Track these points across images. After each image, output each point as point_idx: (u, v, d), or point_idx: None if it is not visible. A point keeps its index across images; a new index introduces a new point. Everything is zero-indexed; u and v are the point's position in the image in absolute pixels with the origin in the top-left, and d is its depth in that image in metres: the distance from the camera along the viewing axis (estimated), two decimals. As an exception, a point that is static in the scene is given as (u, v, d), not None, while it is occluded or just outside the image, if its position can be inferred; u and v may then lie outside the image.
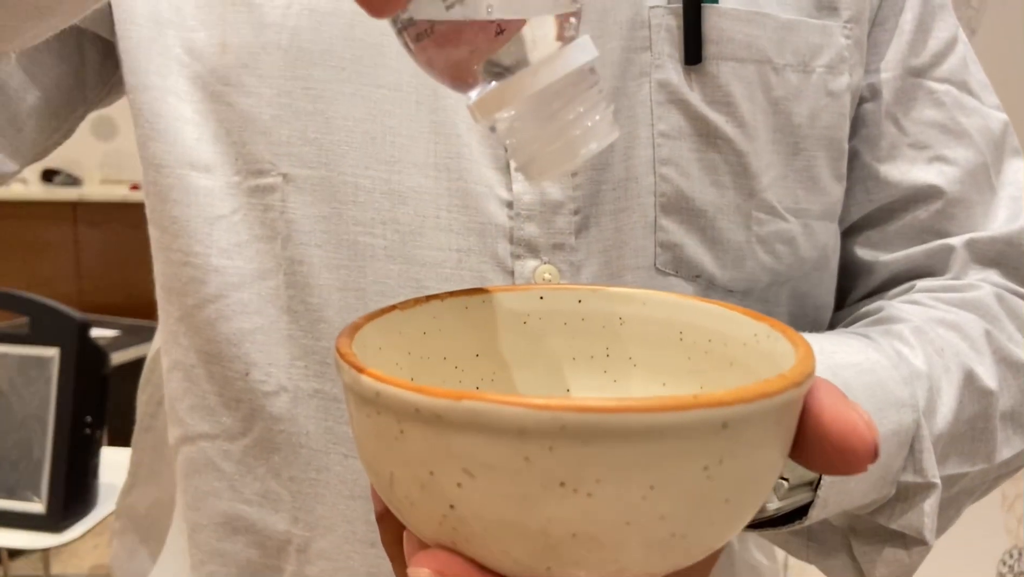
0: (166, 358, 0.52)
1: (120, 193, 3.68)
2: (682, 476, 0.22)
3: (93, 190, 3.75)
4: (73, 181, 3.73)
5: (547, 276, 0.46)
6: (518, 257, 0.46)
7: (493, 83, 0.27)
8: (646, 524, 0.22)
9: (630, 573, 0.23)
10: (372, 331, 0.29)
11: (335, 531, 0.48)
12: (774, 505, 0.37)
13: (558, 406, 0.21)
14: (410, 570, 0.24)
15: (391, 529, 0.28)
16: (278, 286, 0.47)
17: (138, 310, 2.48)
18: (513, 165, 0.28)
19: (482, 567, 0.23)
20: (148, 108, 0.48)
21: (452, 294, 0.32)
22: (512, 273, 0.46)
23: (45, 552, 1.54)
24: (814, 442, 0.25)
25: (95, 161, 3.78)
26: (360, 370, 0.24)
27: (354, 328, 0.28)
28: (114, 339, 2.25)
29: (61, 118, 0.53)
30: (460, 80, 0.27)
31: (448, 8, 0.25)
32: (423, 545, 0.25)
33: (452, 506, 0.23)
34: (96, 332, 1.53)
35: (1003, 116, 0.56)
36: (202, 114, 0.47)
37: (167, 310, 0.51)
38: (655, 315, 0.32)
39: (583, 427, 0.21)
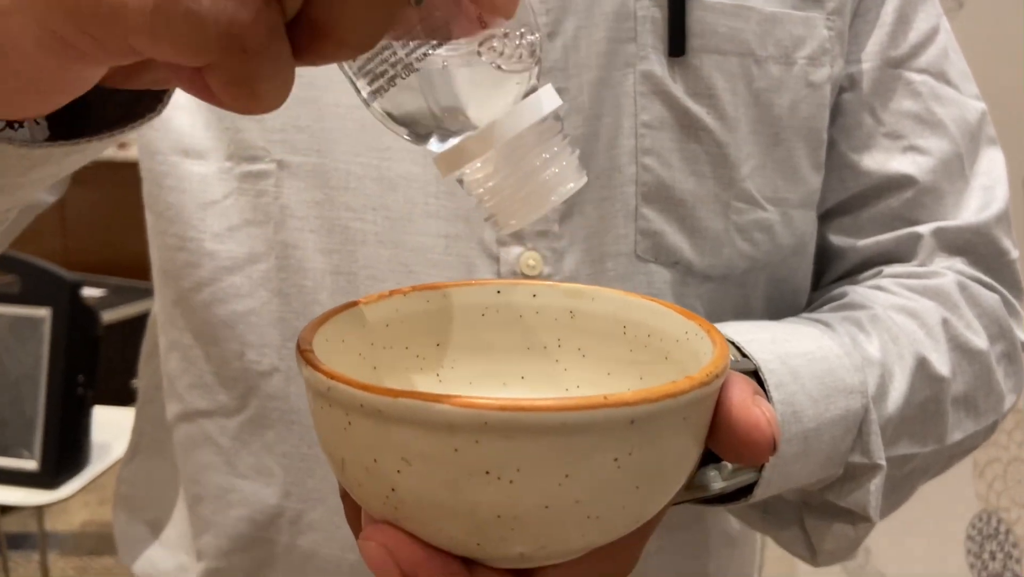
0: (164, 338, 0.55)
1: (107, 152, 3.66)
2: (594, 467, 0.25)
3: (79, 148, 3.72)
4: (60, 138, 3.72)
5: (531, 262, 0.48)
6: (503, 244, 0.48)
7: (454, 138, 0.27)
8: (562, 508, 0.25)
9: (551, 550, 0.26)
10: (337, 325, 0.31)
11: (325, 503, 0.51)
12: (719, 485, 0.40)
13: (482, 405, 0.24)
14: (360, 542, 0.27)
15: (352, 506, 0.31)
16: (269, 269, 0.50)
17: (125, 269, 2.43)
18: (483, 216, 0.29)
19: (421, 541, 0.26)
20: None
21: (415, 288, 0.35)
22: (497, 259, 0.48)
23: (39, 509, 1.59)
24: (722, 434, 0.28)
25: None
26: (315, 367, 0.26)
27: (318, 323, 0.30)
28: (101, 299, 2.24)
29: None
30: (418, 134, 0.28)
31: (407, 71, 0.26)
32: (373, 520, 0.28)
33: (393, 489, 0.26)
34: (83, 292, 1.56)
35: (981, 105, 0.57)
36: (195, 101, 0.50)
37: (164, 292, 0.54)
38: (602, 310, 0.34)
39: (504, 423, 0.24)
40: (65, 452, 1.41)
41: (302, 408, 0.50)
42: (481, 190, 0.28)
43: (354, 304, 0.33)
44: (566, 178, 0.28)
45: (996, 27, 1.09)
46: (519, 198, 0.28)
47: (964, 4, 1.12)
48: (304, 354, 0.27)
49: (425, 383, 0.35)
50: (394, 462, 0.25)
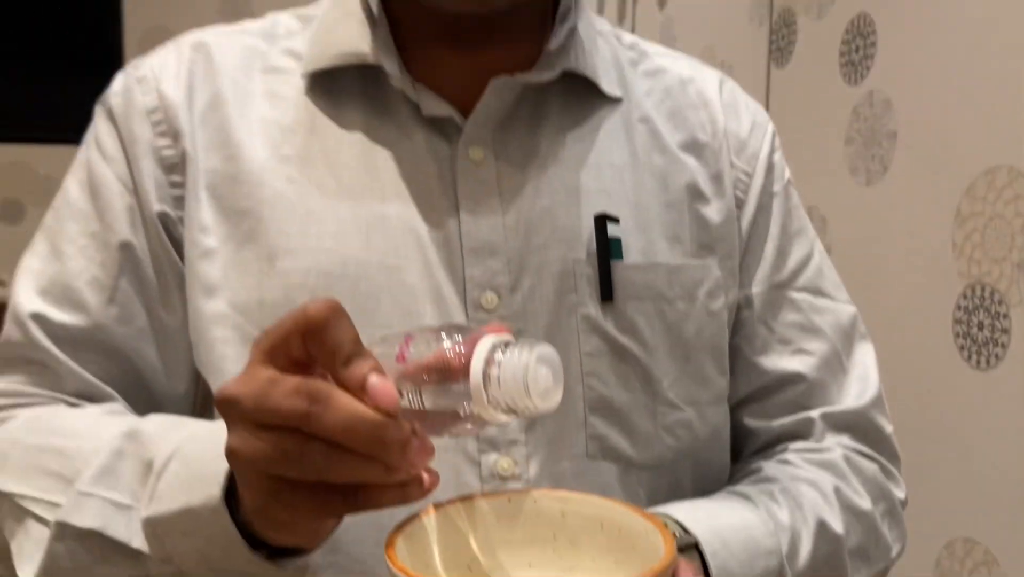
0: None
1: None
2: None
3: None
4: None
5: (505, 465, 0.61)
6: (483, 452, 0.61)
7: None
8: None
9: None
10: (401, 539, 0.44)
11: None
12: None
13: None
14: None
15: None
16: None
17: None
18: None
19: None
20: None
21: (450, 501, 0.47)
22: (479, 464, 0.61)
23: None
24: None
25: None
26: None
27: (391, 543, 0.43)
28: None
29: None
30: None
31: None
32: None
33: None
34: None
35: (852, 309, 0.74)
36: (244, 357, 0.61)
37: None
38: (585, 511, 0.48)
39: None
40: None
41: None
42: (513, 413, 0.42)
43: (410, 520, 0.45)
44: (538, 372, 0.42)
45: (918, 189, 1.24)
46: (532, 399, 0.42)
47: (888, 168, 1.29)
48: (402, 570, 0.40)
49: (458, 575, 0.47)
50: None
